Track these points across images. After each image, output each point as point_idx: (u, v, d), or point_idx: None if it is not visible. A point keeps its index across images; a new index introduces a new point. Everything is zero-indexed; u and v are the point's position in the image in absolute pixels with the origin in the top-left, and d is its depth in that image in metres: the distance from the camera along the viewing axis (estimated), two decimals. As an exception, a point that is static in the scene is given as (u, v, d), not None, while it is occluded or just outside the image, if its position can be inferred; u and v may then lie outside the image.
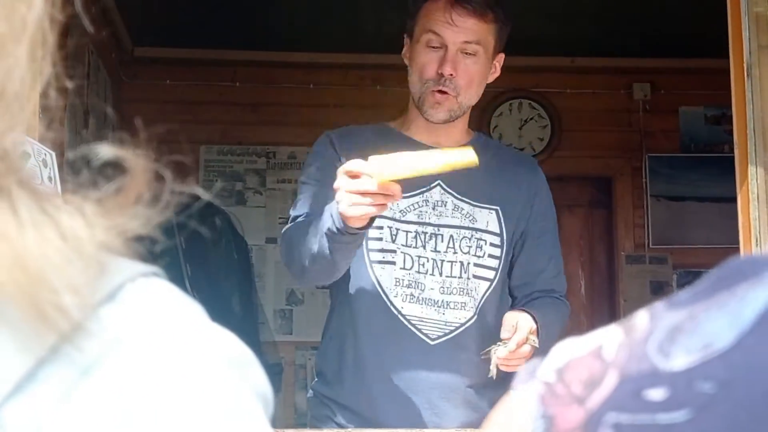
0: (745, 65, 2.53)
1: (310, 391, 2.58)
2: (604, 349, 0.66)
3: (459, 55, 2.41)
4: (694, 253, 5.56)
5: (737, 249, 2.58)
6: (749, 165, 2.49)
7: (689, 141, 5.67)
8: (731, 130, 2.59)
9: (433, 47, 2.42)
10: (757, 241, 2.45)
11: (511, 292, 2.56)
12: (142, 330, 0.55)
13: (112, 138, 0.57)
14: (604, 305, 5.63)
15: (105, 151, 0.56)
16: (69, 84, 0.60)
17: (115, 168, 0.57)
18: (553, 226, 2.61)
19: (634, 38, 5.28)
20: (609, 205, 5.67)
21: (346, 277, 2.42)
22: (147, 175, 0.57)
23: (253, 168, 5.52)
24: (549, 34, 5.20)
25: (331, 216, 2.17)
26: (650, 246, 5.59)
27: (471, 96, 2.46)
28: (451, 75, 2.40)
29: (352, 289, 2.44)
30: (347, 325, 2.45)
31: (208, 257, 5.10)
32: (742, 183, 2.52)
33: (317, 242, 2.24)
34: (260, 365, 0.59)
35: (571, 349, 0.68)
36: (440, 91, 2.41)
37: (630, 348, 0.65)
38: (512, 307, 2.48)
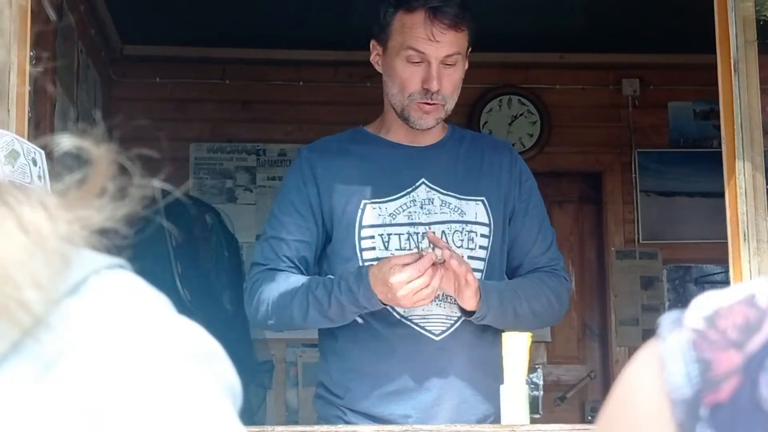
0: (732, 61, 2.54)
1: (315, 395, 2.60)
2: (757, 298, 0.69)
3: (440, 67, 2.44)
4: (684, 248, 5.57)
5: (727, 243, 2.59)
6: (737, 160, 2.50)
7: (678, 136, 5.68)
8: (720, 125, 2.60)
9: (414, 62, 2.44)
10: (744, 235, 2.47)
11: (508, 276, 2.59)
12: (106, 323, 0.54)
13: (74, 129, 0.56)
14: (595, 301, 5.65)
15: (66, 142, 0.55)
16: (33, 69, 0.59)
17: (78, 160, 0.55)
18: (537, 204, 2.63)
19: (623, 34, 5.28)
20: (599, 200, 5.68)
21: None
22: (111, 166, 0.55)
23: (243, 165, 5.51)
24: (538, 31, 5.20)
25: (356, 293, 2.32)
26: (640, 241, 5.59)
27: (454, 100, 2.51)
28: (438, 90, 2.43)
29: None
30: (350, 340, 2.47)
31: (198, 255, 5.10)
32: (730, 178, 2.53)
33: (317, 309, 2.38)
34: (229, 358, 0.58)
35: (714, 300, 0.71)
36: (427, 103, 2.44)
37: None
38: None
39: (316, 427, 2.37)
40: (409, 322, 2.42)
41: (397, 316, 2.42)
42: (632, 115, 5.64)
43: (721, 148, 2.59)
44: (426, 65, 2.43)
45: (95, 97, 4.87)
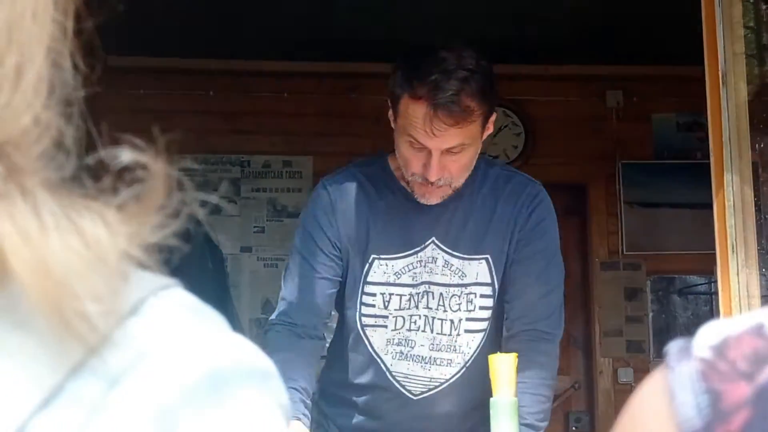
0: (720, 73, 2.55)
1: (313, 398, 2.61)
2: (765, 328, 0.69)
3: (444, 154, 2.25)
4: (668, 259, 5.59)
5: (711, 255, 2.60)
6: (725, 173, 2.50)
7: (662, 148, 5.70)
8: (703, 137, 2.61)
9: (416, 148, 2.26)
10: (733, 248, 2.47)
11: (504, 326, 2.48)
12: (166, 343, 0.55)
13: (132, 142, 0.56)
14: (579, 312, 5.65)
15: (125, 155, 0.55)
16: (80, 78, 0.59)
17: (129, 173, 0.56)
18: (545, 257, 2.43)
19: (607, 46, 5.30)
20: (583, 212, 5.69)
21: (343, 328, 2.46)
22: (167, 182, 0.56)
23: (227, 177, 5.50)
24: (523, 43, 5.22)
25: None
26: (624, 252, 5.61)
27: (464, 176, 2.33)
28: (438, 179, 2.27)
29: (347, 340, 2.46)
30: (342, 370, 2.50)
31: (182, 267, 5.07)
32: (718, 191, 2.53)
33: None
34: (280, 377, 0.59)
35: (722, 328, 0.71)
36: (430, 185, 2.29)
37: None
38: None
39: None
40: (392, 378, 2.43)
41: (383, 368, 2.43)
42: (616, 127, 5.66)
43: (704, 159, 2.60)
44: (427, 152, 2.24)
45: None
